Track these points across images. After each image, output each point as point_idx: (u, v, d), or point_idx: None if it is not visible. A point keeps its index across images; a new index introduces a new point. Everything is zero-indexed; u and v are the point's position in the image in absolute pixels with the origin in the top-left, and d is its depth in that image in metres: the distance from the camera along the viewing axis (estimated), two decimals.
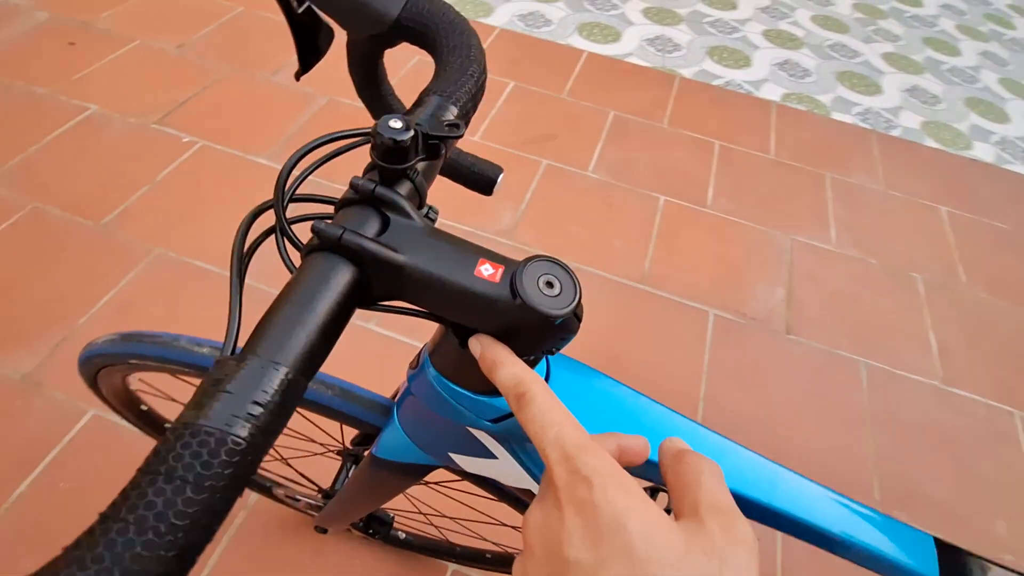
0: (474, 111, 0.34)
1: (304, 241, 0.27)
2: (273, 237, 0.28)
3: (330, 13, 0.35)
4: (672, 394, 1.16)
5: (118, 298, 1.17)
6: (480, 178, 0.41)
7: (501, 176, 0.40)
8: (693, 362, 1.21)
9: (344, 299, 0.25)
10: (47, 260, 1.21)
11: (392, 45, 0.36)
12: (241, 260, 0.27)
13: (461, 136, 0.29)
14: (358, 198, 0.27)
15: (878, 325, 1.33)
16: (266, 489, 0.80)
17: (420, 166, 0.29)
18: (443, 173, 0.40)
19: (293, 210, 0.28)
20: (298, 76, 0.38)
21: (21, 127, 1.46)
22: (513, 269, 0.25)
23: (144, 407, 0.61)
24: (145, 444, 0.91)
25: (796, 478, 0.37)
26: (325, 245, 0.25)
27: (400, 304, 0.28)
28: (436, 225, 0.28)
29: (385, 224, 0.27)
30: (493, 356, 0.26)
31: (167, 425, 0.67)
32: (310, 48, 0.37)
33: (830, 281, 1.41)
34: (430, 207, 0.30)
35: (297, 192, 0.28)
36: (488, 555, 0.81)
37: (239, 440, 0.20)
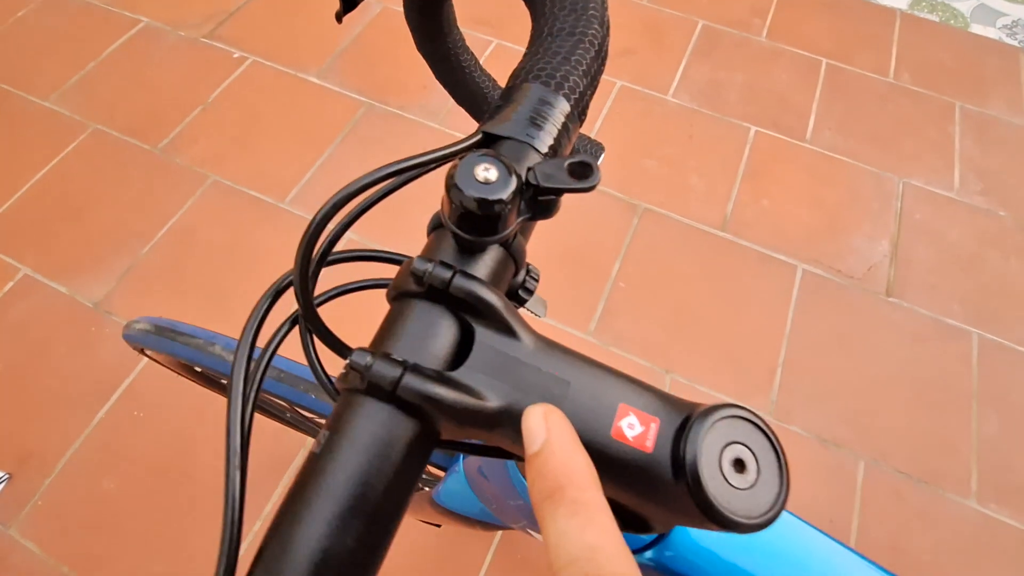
0: (591, 97, 0.23)
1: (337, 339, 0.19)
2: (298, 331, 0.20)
3: None
4: (747, 358, 1.06)
5: (179, 225, 1.16)
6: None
7: (602, 156, 0.30)
8: (774, 323, 1.10)
9: (405, 478, 0.17)
10: (110, 184, 1.21)
11: None
12: (244, 417, 0.18)
13: (595, 187, 0.19)
14: (422, 292, 0.18)
15: (999, 291, 1.15)
16: None
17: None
18: None
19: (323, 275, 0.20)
20: (339, 17, 0.28)
21: (78, 41, 1.42)
22: (676, 424, 0.16)
23: (199, 368, 0.59)
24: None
25: None
26: (371, 392, 0.17)
27: (474, 443, 0.19)
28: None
29: (467, 339, 0.18)
30: (566, 475, 0.16)
31: (223, 381, 0.65)
32: None
33: (947, 236, 1.22)
34: (528, 268, 0.22)
35: (331, 252, 0.20)
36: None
37: None
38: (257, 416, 0.81)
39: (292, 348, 0.35)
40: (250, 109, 1.33)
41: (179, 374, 0.59)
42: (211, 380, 0.62)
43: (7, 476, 0.89)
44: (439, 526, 0.73)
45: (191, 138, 1.28)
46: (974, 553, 0.89)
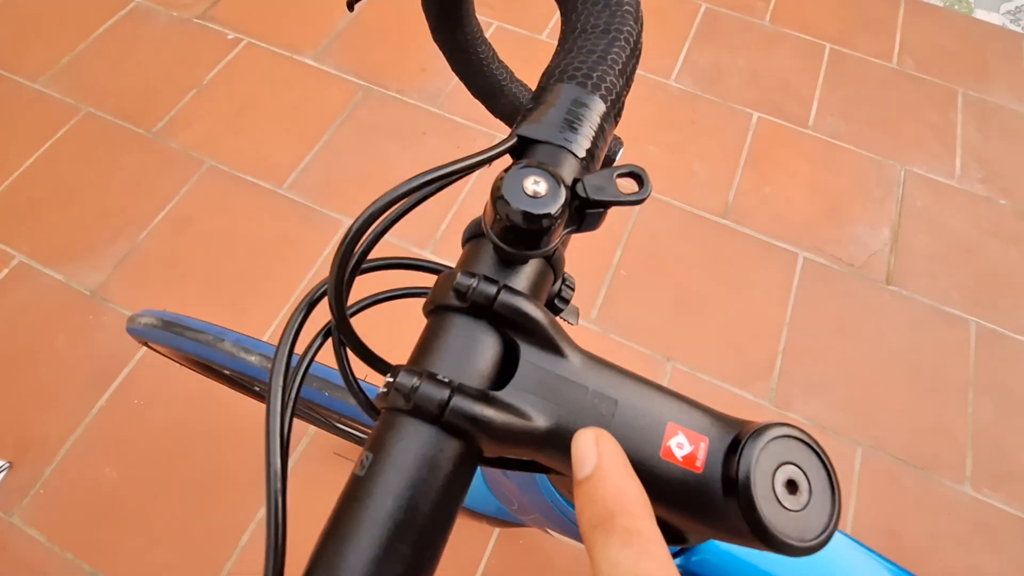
0: (626, 97, 0.22)
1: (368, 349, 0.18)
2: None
3: None
4: (747, 345, 1.06)
5: (176, 212, 1.14)
6: None
7: (621, 151, 0.29)
8: (775, 311, 1.10)
9: (450, 500, 0.16)
10: (104, 169, 1.19)
11: None
12: (283, 433, 0.17)
13: (644, 200, 0.18)
14: (464, 308, 0.17)
15: (998, 279, 1.16)
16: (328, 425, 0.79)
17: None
18: None
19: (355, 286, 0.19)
20: (350, 5, 0.27)
21: (68, 22, 1.38)
22: (727, 443, 0.16)
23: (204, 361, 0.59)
24: None
25: None
26: (416, 413, 0.16)
27: (519, 459, 0.19)
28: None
29: (509, 356, 0.17)
30: (619, 502, 0.15)
31: (226, 372, 0.65)
32: None
33: (947, 224, 1.22)
34: (564, 278, 0.21)
35: (366, 260, 0.19)
36: None
37: None
38: (257, 407, 0.81)
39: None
40: (245, 92, 1.30)
41: (183, 365, 0.58)
42: (215, 371, 0.62)
43: (7, 465, 0.89)
44: None
45: (185, 122, 1.25)
46: (968, 537, 0.91)
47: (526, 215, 0.17)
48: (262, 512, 0.88)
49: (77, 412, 0.93)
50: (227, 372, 0.59)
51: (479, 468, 0.33)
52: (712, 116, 1.34)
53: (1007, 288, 1.15)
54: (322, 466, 0.92)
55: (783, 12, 1.52)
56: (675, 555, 0.24)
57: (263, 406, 0.76)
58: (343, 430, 0.74)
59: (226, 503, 0.88)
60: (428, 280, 0.20)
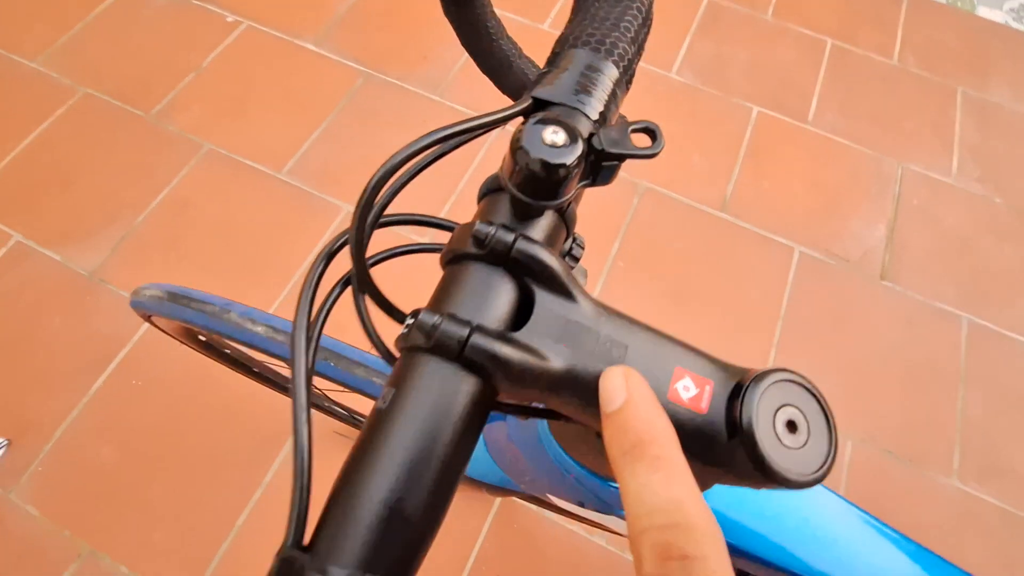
0: (638, 65, 0.23)
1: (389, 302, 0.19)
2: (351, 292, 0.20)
3: None
4: (743, 337, 1.07)
5: (173, 195, 1.14)
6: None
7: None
8: (770, 304, 1.11)
9: (467, 436, 0.17)
10: (102, 150, 1.18)
11: None
12: (308, 375, 0.18)
13: (658, 153, 0.19)
14: (483, 255, 0.18)
15: (992, 276, 1.17)
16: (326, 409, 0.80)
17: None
18: None
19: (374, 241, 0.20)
20: None
21: (65, 1, 1.37)
22: (730, 387, 0.17)
23: (203, 338, 0.59)
24: None
25: None
26: (437, 350, 0.17)
27: (530, 405, 0.20)
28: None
29: (527, 302, 0.18)
30: (648, 432, 0.16)
31: (226, 351, 0.65)
32: None
33: (943, 220, 1.23)
34: (575, 237, 0.22)
35: (384, 215, 0.20)
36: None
37: None
38: (255, 388, 0.82)
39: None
40: (245, 76, 1.29)
41: (182, 342, 0.59)
42: (214, 349, 0.62)
43: (6, 442, 0.89)
44: None
45: (184, 105, 1.25)
46: (955, 529, 0.93)
47: (545, 164, 0.17)
48: (258, 494, 0.88)
49: (75, 392, 0.94)
50: (228, 351, 0.60)
51: (482, 441, 0.34)
52: (712, 109, 1.34)
53: (1000, 285, 1.16)
54: (322, 444, 0.93)
55: (785, 6, 1.52)
56: None
57: (261, 388, 0.77)
58: (340, 412, 0.75)
59: (224, 483, 0.89)
60: (444, 239, 0.20)
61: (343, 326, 0.40)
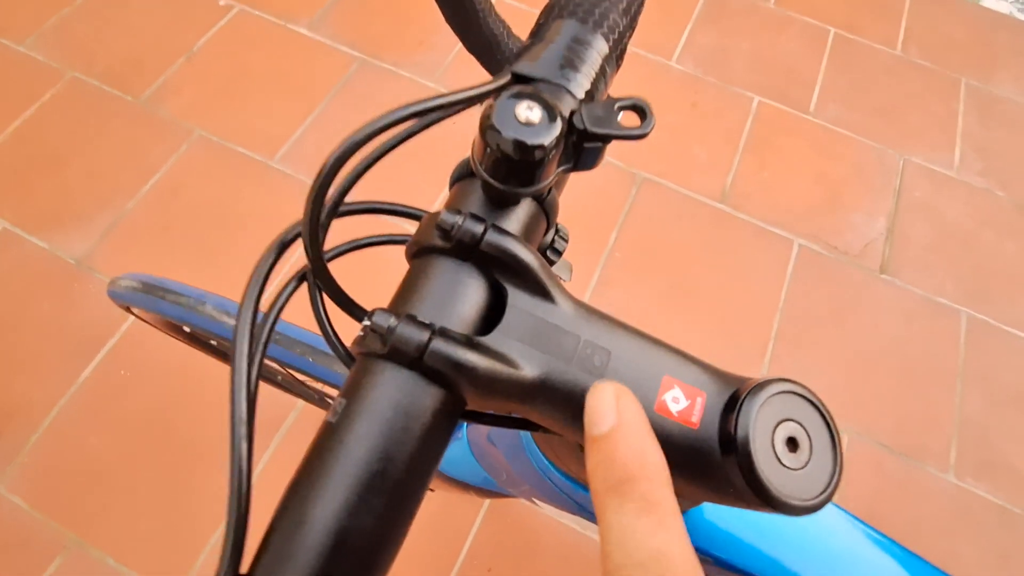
0: (629, 40, 0.21)
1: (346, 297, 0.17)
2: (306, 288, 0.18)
3: None
4: (740, 330, 1.06)
5: (164, 181, 1.12)
6: None
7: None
8: (768, 296, 1.10)
9: (428, 452, 0.15)
10: (92, 135, 1.16)
11: None
12: (250, 382, 0.16)
13: (648, 133, 0.17)
14: (449, 248, 0.16)
15: (992, 270, 1.16)
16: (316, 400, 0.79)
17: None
18: None
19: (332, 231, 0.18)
20: None
21: None
22: (724, 399, 0.15)
23: (187, 328, 0.58)
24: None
25: None
26: (393, 356, 0.15)
27: (502, 415, 0.18)
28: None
29: (497, 302, 0.16)
30: (639, 466, 0.14)
31: (212, 342, 0.64)
32: None
33: (944, 214, 1.22)
34: (557, 228, 0.20)
35: (342, 204, 0.18)
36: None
37: None
38: None
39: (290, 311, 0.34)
40: (237, 61, 1.27)
41: (167, 333, 0.57)
42: (200, 341, 0.61)
43: None
44: (432, 490, 0.74)
45: (175, 89, 1.22)
46: (950, 524, 0.92)
47: (518, 144, 0.15)
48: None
49: (62, 382, 0.92)
50: (212, 341, 0.59)
51: (467, 440, 0.32)
52: (713, 99, 1.32)
53: (1000, 280, 1.15)
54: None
55: None
56: None
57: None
58: (311, 395, 0.73)
59: (212, 473, 0.88)
60: (413, 229, 0.19)
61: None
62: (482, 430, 0.29)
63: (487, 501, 0.90)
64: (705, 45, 1.39)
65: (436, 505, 0.88)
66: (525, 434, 0.24)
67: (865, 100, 1.35)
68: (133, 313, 0.52)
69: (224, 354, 0.65)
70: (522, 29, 0.23)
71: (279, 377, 0.73)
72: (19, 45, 1.25)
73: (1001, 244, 1.19)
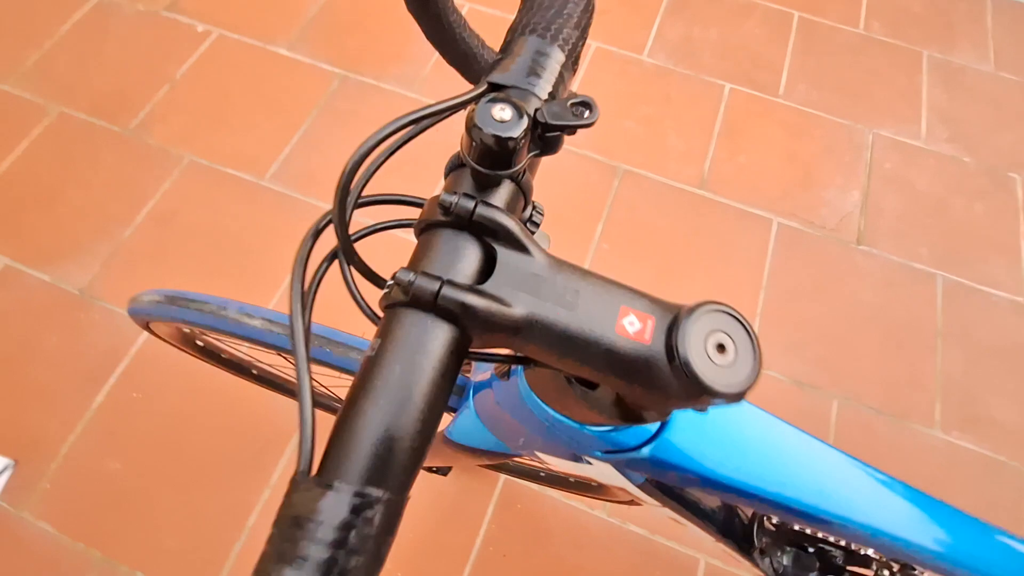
0: (583, 47, 0.26)
1: (372, 270, 0.22)
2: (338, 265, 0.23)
3: None
4: None
5: (159, 208, 1.15)
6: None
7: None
8: (751, 274, 1.14)
9: (444, 375, 0.20)
10: (83, 168, 1.18)
11: None
12: (304, 320, 0.21)
13: (594, 122, 0.22)
14: (449, 221, 0.21)
15: (964, 234, 1.21)
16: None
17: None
18: None
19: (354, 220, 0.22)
20: None
21: (31, 19, 1.36)
22: (668, 320, 0.19)
23: (200, 342, 0.61)
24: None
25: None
26: (414, 303, 0.20)
27: (501, 352, 0.23)
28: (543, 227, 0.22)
29: (490, 260, 0.21)
30: None
31: (223, 356, 0.67)
32: None
33: (914, 183, 1.27)
34: (534, 205, 0.24)
35: (362, 195, 0.23)
36: (542, 473, 0.84)
37: None
38: (254, 391, 0.83)
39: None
40: (220, 85, 1.30)
41: (180, 348, 0.60)
42: (212, 354, 0.64)
43: (12, 463, 0.90)
44: (446, 473, 0.78)
45: (161, 117, 1.25)
46: (940, 476, 0.97)
47: (496, 137, 0.20)
48: (267, 494, 0.90)
49: (76, 409, 0.95)
50: (225, 355, 0.62)
51: (475, 412, 0.36)
52: (686, 89, 1.36)
53: (972, 242, 1.20)
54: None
55: None
56: (645, 443, 0.28)
57: (260, 391, 0.79)
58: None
59: (231, 486, 0.91)
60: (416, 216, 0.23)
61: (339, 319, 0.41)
62: (489, 397, 0.33)
63: (496, 491, 0.93)
64: (674, 37, 1.44)
65: (450, 495, 0.92)
66: (524, 388, 0.28)
67: (832, 79, 1.40)
68: (150, 330, 0.55)
69: (235, 365, 0.68)
70: (495, 35, 0.27)
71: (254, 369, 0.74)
72: (2, 84, 1.27)
73: (971, 207, 1.24)
